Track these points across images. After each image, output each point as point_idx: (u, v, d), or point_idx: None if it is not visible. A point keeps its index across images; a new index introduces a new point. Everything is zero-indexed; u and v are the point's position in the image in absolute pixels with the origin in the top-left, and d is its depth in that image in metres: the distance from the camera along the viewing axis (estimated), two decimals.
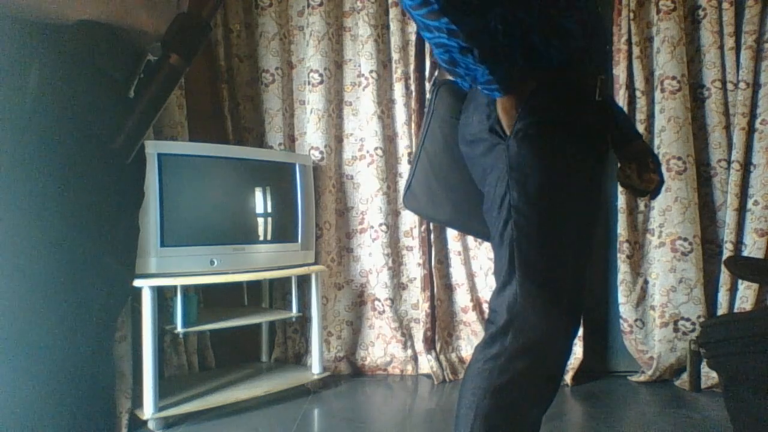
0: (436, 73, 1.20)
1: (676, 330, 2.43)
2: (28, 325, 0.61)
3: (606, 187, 2.27)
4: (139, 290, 1.92)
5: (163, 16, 0.72)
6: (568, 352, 1.12)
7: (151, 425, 1.97)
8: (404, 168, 2.69)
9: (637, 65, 2.45)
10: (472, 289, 2.67)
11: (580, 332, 2.45)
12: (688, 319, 2.42)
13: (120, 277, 0.72)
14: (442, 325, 2.65)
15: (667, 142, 2.42)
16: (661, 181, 1.21)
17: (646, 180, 1.20)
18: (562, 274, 1.04)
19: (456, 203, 1.18)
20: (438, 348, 2.62)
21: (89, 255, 0.65)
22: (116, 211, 0.70)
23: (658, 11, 2.43)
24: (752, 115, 2.40)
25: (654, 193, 1.22)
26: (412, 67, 2.66)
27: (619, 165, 1.25)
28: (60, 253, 0.62)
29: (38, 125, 0.61)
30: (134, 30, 0.69)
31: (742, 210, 2.41)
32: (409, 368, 2.66)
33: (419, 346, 2.66)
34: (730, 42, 2.41)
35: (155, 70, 0.70)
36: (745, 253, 2.41)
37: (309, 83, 2.64)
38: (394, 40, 2.64)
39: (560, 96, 1.03)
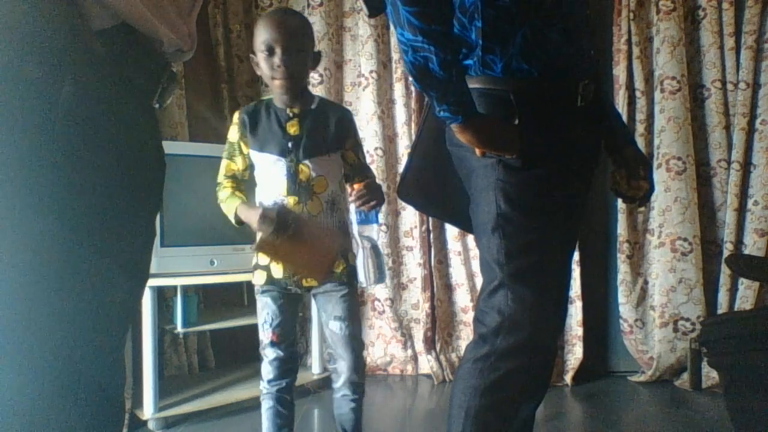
0: None
1: (676, 330, 2.43)
2: (38, 327, 0.60)
3: (605, 188, 2.27)
4: None
5: (179, 25, 0.72)
6: (554, 348, 1.14)
7: (151, 425, 1.97)
8: None
9: (636, 65, 2.45)
10: (472, 289, 2.66)
11: (580, 332, 2.45)
12: (688, 319, 2.41)
13: (132, 282, 0.72)
14: (442, 326, 2.65)
15: (667, 142, 2.42)
16: (651, 189, 1.21)
17: (633, 187, 1.20)
18: (549, 276, 1.06)
19: (446, 197, 1.19)
20: (438, 348, 2.62)
21: (103, 260, 0.65)
22: (134, 218, 0.70)
23: (658, 11, 2.43)
24: (752, 115, 2.39)
25: (642, 200, 1.22)
26: None
27: (612, 169, 1.26)
28: (75, 259, 0.62)
29: (68, 138, 0.60)
30: (159, 37, 0.69)
31: (742, 210, 2.41)
32: (409, 368, 2.66)
33: (419, 346, 2.66)
34: (730, 42, 2.41)
35: None
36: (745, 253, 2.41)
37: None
38: (394, 40, 2.64)
39: (540, 106, 1.03)
